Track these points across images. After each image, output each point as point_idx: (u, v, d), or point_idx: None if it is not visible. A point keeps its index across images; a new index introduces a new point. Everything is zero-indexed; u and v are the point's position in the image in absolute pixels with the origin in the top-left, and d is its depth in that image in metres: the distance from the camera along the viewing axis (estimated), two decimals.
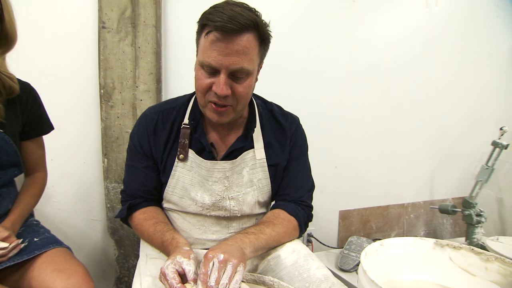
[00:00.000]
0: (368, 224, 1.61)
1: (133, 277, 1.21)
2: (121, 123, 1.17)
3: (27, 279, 0.74)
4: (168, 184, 0.78)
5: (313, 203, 0.88)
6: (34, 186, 0.92)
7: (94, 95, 1.17)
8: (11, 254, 0.73)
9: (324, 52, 1.43)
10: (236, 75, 0.66)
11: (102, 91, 1.15)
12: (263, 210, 0.87)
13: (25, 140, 0.88)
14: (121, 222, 1.21)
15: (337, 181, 1.52)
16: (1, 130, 0.79)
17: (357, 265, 1.23)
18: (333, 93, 1.47)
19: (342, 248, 1.34)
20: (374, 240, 1.41)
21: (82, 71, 1.16)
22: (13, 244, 0.73)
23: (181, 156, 0.76)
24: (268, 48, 0.72)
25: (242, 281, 0.59)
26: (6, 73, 0.78)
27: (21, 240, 0.77)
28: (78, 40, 1.14)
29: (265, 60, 0.76)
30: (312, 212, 0.89)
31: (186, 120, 0.78)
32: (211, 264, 0.56)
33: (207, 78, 0.66)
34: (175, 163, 0.77)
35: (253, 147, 0.80)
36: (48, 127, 0.95)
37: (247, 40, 0.63)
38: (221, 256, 0.56)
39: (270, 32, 0.69)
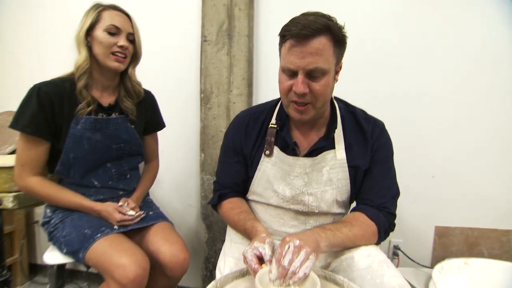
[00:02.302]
0: (477, 248, 1.35)
1: (219, 258, 1.35)
2: (216, 123, 1.34)
3: (145, 241, 0.98)
4: (254, 176, 0.86)
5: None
6: (150, 172, 1.17)
7: (195, 99, 1.38)
8: (136, 221, 0.98)
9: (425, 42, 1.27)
10: (313, 74, 0.71)
11: (202, 95, 1.34)
12: (341, 210, 0.87)
13: (145, 135, 1.13)
14: (212, 210, 1.38)
15: (434, 193, 1.33)
16: (133, 126, 1.04)
17: None
18: (431, 87, 1.29)
19: None
20: None
21: (187, 78, 1.39)
22: (138, 213, 0.98)
23: (267, 152, 0.84)
24: (344, 49, 0.75)
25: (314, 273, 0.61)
26: (136, 81, 1.03)
27: (143, 211, 1.01)
28: (184, 52, 1.38)
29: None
30: (395, 221, 0.83)
31: (273, 121, 0.86)
32: (286, 246, 0.60)
33: (287, 80, 0.73)
34: (262, 158, 0.85)
35: (334, 147, 0.82)
36: (162, 125, 1.19)
37: (320, 42, 0.68)
38: (297, 242, 0.60)
39: (345, 34, 0.73)
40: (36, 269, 1.78)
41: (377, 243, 0.80)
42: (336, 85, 0.80)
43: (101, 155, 0.98)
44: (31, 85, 0.90)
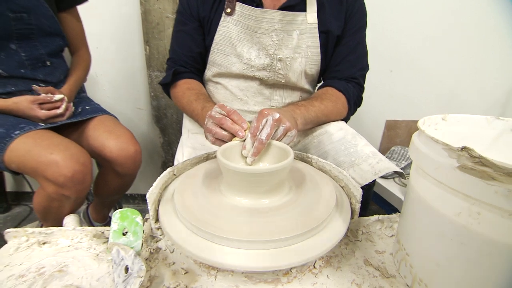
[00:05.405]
0: None
1: (177, 151, 1.31)
2: (161, 6, 1.11)
3: (85, 137, 0.85)
4: (214, 41, 0.76)
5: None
6: (81, 63, 0.97)
7: None
8: (66, 115, 0.82)
9: None
10: None
11: None
12: (309, 87, 0.83)
13: (61, 11, 0.89)
14: (164, 112, 1.26)
15: (390, 88, 1.37)
16: None
17: (395, 172, 1.19)
18: None
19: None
20: None
21: None
22: (67, 106, 0.82)
23: (228, 10, 0.73)
24: None
25: None
26: None
27: (71, 104, 0.85)
28: None
29: None
30: (363, 95, 0.82)
31: None
32: (264, 120, 0.53)
33: None
34: (222, 18, 0.74)
35: (305, 10, 0.74)
36: None
37: None
38: (277, 115, 0.53)
39: None
40: None
41: (347, 116, 0.80)
42: None
43: None
44: None
